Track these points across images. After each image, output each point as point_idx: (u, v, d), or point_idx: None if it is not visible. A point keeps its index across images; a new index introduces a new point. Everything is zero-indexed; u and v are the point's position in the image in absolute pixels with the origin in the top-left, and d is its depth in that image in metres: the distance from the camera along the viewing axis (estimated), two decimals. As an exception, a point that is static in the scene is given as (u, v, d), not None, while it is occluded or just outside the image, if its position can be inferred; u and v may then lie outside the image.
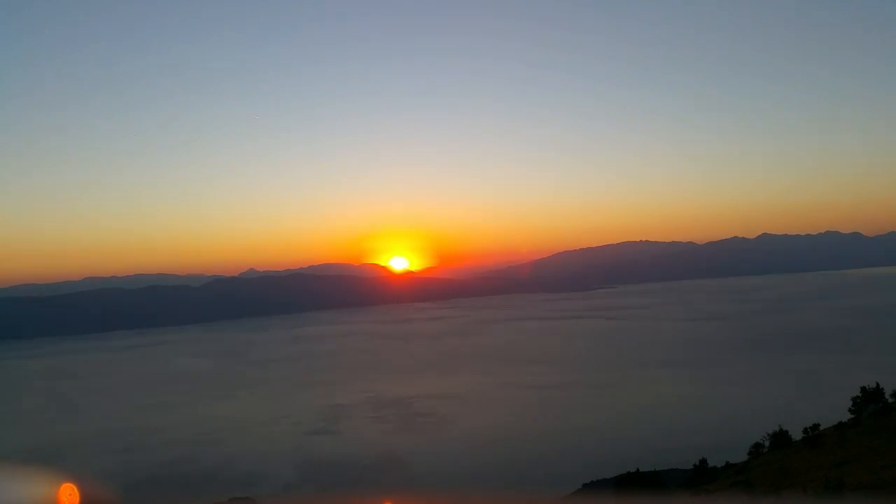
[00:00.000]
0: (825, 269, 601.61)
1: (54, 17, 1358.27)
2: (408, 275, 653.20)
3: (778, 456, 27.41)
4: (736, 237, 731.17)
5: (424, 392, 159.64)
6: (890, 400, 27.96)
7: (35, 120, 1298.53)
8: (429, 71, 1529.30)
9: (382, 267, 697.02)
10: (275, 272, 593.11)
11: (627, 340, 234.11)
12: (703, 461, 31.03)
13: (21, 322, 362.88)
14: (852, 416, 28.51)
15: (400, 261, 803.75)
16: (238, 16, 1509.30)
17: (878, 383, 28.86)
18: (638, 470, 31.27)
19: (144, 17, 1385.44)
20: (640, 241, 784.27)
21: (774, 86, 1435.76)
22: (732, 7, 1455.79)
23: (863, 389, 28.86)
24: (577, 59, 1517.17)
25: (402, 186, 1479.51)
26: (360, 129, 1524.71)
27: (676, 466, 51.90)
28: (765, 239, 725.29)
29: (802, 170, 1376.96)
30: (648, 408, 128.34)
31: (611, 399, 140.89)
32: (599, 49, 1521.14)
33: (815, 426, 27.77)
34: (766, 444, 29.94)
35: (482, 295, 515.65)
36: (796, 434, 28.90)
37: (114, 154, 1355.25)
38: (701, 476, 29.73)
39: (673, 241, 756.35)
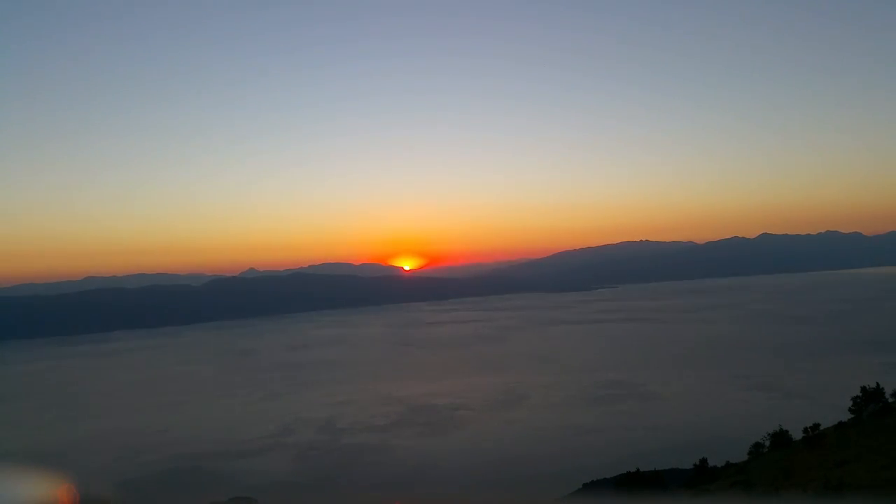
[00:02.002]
0: (825, 269, 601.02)
1: (56, 17, 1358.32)
2: (408, 274, 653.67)
3: (778, 456, 27.40)
4: (736, 237, 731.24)
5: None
6: (890, 400, 27.95)
7: (35, 120, 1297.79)
8: (428, 71, 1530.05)
9: (383, 266, 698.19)
10: (275, 272, 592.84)
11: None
12: (704, 461, 30.99)
13: (21, 322, 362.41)
14: (852, 416, 28.50)
15: (400, 260, 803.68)
16: (240, 15, 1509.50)
17: (878, 383, 28.82)
18: (638, 470, 31.23)
19: (147, 17, 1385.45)
20: (641, 240, 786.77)
21: (775, 86, 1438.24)
22: (732, 7, 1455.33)
23: (863, 389, 28.83)
24: (578, 58, 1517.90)
25: (401, 186, 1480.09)
26: (359, 129, 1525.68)
27: (677, 466, 51.87)
28: (765, 239, 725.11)
29: (802, 170, 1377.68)
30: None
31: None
32: (600, 49, 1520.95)
33: (816, 426, 27.76)
34: (767, 443, 29.95)
35: (483, 294, 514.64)
36: (796, 434, 28.91)
37: (114, 154, 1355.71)
38: (701, 476, 29.71)
39: (673, 241, 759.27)
